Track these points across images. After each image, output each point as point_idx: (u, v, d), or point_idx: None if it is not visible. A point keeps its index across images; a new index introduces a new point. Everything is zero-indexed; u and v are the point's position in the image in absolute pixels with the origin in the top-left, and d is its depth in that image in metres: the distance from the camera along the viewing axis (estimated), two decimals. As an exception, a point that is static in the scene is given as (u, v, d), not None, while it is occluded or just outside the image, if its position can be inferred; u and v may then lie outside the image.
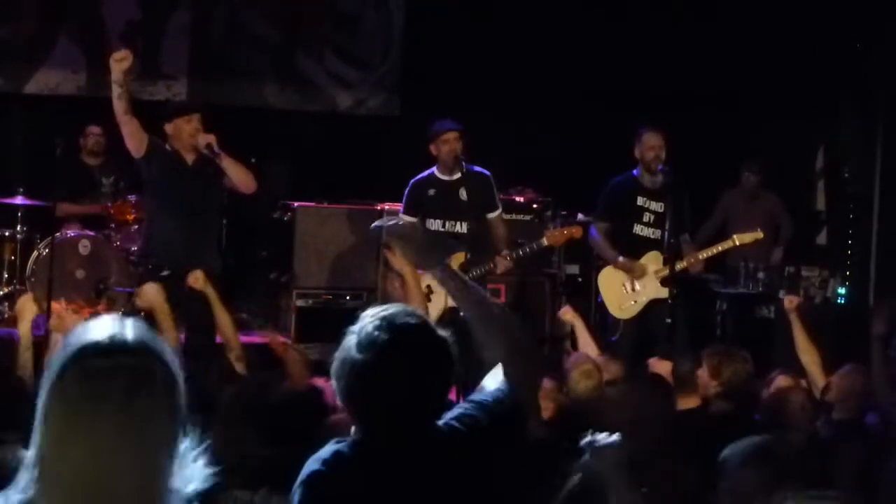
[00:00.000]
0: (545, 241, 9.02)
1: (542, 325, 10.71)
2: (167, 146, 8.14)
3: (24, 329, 6.64)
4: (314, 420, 5.06)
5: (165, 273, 7.90)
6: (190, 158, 8.16)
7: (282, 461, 3.91)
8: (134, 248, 10.24)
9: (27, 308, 6.86)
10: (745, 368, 6.45)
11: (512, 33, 12.39)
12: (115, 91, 7.77)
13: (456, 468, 3.07)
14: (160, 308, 6.96)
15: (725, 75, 12.10)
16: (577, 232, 9.15)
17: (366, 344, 2.99)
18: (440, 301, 8.75)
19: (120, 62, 7.65)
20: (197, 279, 7.51)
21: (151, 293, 7.08)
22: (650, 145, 9.15)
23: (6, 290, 10.38)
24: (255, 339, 10.40)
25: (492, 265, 8.81)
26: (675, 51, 12.12)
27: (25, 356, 6.47)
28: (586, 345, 7.74)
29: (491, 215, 9.03)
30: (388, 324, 3.02)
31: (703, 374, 6.48)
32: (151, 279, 7.88)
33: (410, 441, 3.01)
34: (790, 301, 7.69)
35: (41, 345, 6.93)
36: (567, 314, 8.26)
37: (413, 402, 3.00)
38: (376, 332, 3.00)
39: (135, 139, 8.09)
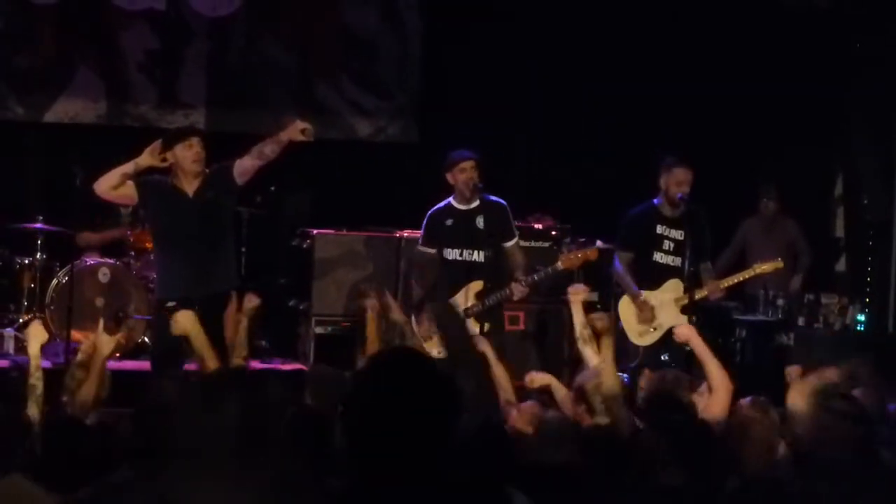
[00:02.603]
0: (560, 265, 8.98)
1: (561, 352, 10.68)
2: (165, 180, 7.95)
3: (33, 350, 6.62)
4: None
5: (171, 305, 7.83)
6: (192, 187, 7.93)
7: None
8: (153, 276, 10.28)
9: (37, 332, 6.85)
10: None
11: (530, 60, 12.41)
12: (128, 168, 7.74)
13: None
14: (195, 334, 6.94)
15: (743, 103, 12.10)
16: (592, 254, 9.08)
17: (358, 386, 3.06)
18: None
19: (152, 154, 7.69)
20: (177, 322, 7.12)
21: (185, 321, 7.03)
22: (678, 180, 9.11)
23: (26, 317, 10.39)
24: (276, 366, 10.42)
25: (508, 292, 8.80)
26: (693, 79, 12.12)
27: (35, 376, 6.46)
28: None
29: (507, 244, 9.01)
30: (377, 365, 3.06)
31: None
32: (160, 311, 7.89)
33: (396, 483, 2.96)
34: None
35: (62, 372, 6.94)
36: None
37: (395, 442, 2.97)
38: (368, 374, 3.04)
39: (125, 199, 8.14)
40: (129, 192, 7.88)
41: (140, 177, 7.84)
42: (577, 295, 7.84)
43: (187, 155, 7.82)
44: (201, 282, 7.85)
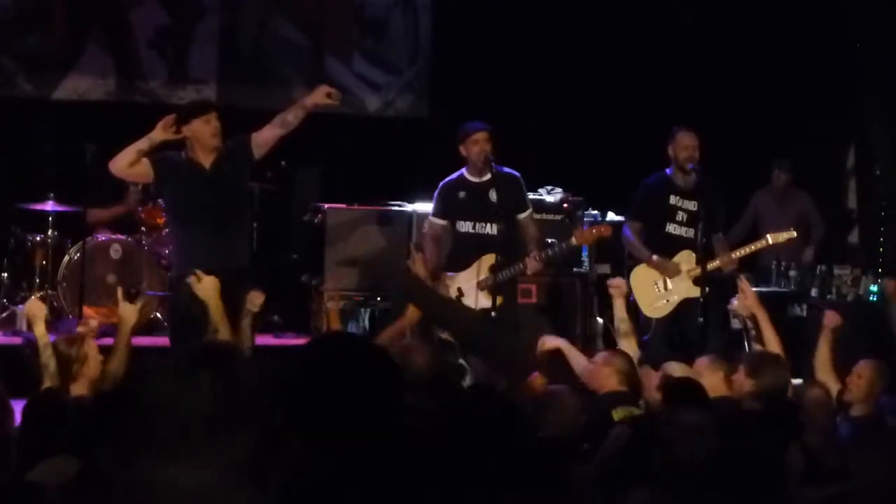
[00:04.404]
0: (574, 241, 8.99)
1: (574, 325, 10.67)
2: (180, 155, 7.90)
3: (39, 331, 6.62)
4: None
5: (189, 280, 7.81)
6: (208, 161, 7.87)
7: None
8: (165, 252, 10.27)
9: (36, 309, 6.85)
10: (784, 377, 6.46)
11: (540, 32, 12.38)
12: (143, 144, 7.70)
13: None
14: (214, 303, 6.94)
15: (756, 74, 12.07)
16: (605, 231, 9.10)
17: None
18: (471, 303, 8.76)
19: (166, 128, 7.65)
20: (200, 283, 7.16)
21: (210, 285, 7.03)
22: (684, 145, 9.14)
23: (38, 294, 10.37)
24: (289, 341, 10.42)
25: (522, 266, 8.78)
26: (705, 50, 12.10)
27: (46, 354, 6.46)
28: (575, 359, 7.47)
29: (521, 216, 8.99)
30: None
31: (738, 375, 6.47)
32: (178, 285, 7.84)
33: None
34: (830, 318, 7.57)
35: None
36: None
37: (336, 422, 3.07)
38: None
39: (141, 177, 8.11)
40: (144, 169, 7.83)
41: (154, 153, 7.80)
42: (619, 289, 7.94)
43: (206, 129, 7.76)
44: (219, 255, 7.80)
